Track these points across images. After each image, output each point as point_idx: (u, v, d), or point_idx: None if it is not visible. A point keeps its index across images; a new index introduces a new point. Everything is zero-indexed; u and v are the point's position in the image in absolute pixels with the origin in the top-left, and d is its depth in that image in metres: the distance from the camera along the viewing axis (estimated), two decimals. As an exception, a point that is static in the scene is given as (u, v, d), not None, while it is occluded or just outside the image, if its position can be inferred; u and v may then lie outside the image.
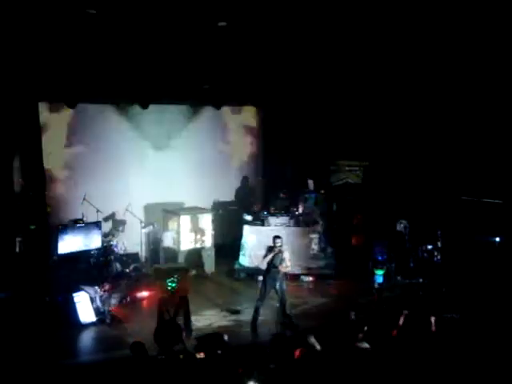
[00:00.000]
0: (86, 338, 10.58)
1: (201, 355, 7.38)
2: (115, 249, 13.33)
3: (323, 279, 13.79)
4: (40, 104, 13.43)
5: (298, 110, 16.03)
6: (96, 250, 13.09)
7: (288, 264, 10.89)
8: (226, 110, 16.21)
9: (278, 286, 10.76)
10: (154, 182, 14.92)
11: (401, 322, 8.53)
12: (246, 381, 6.30)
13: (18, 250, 12.54)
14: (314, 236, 14.19)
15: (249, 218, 14.44)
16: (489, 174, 13.45)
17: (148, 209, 14.95)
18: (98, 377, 8.12)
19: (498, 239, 12.99)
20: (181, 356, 7.22)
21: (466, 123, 13.77)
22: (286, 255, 10.86)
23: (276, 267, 10.75)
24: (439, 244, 13.35)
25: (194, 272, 13.52)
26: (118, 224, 14.20)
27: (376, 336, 8.18)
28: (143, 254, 14.60)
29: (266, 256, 10.85)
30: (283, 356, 7.18)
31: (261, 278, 11.43)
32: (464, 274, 12.38)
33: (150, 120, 15.01)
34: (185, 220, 14.09)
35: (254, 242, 13.85)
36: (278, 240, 10.84)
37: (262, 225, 14.12)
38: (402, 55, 12.82)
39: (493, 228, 13.05)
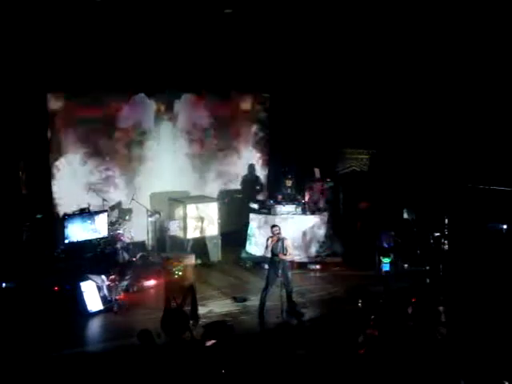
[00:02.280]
0: (94, 327, 10.61)
1: (208, 343, 7.40)
2: (122, 238, 13.32)
3: (330, 267, 13.78)
4: (47, 94, 13.41)
5: (305, 97, 15.94)
6: (102, 238, 13.10)
7: (290, 252, 10.91)
8: (232, 97, 16.12)
9: (280, 274, 10.74)
10: (160, 171, 14.90)
11: (410, 310, 8.52)
12: None
13: (24, 238, 12.58)
14: (321, 224, 14.16)
15: (255, 206, 14.41)
16: (496, 161, 13.36)
17: (154, 198, 14.93)
18: (106, 365, 8.15)
19: (505, 226, 12.92)
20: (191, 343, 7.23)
21: (473, 111, 13.67)
22: (287, 243, 10.87)
23: (277, 255, 10.75)
24: (446, 231, 13.30)
25: (199, 261, 13.56)
26: (124, 213, 14.20)
27: (384, 323, 8.18)
28: (150, 242, 14.60)
29: (267, 245, 10.89)
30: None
31: (267, 266, 11.43)
32: (471, 261, 12.33)
33: (157, 109, 14.98)
34: (191, 209, 14.07)
35: (261, 231, 13.84)
36: (274, 228, 10.93)
37: (269, 213, 14.09)
38: (410, 42, 12.75)
39: (500, 215, 12.98)
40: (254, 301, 11.38)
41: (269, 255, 10.92)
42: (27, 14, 10.53)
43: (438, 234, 13.17)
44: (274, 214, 13.97)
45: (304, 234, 13.92)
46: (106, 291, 11.27)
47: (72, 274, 11.55)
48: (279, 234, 10.85)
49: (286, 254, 10.79)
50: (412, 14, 11.31)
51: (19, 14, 10.45)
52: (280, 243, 10.77)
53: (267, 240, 10.96)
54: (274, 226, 11.08)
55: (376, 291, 11.70)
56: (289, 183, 14.77)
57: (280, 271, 10.72)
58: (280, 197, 14.49)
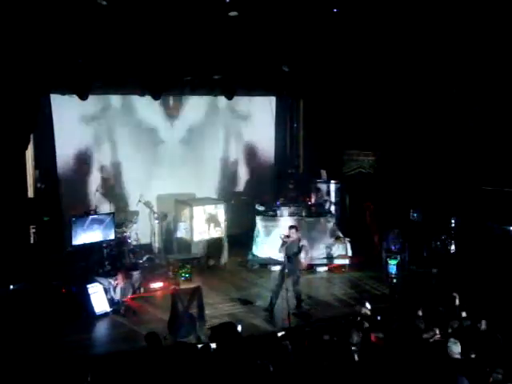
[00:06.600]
0: (101, 329, 10.65)
1: (214, 345, 7.41)
2: (128, 240, 13.35)
3: (337, 269, 13.77)
4: (52, 95, 13.46)
5: (311, 100, 15.93)
6: (109, 241, 13.12)
7: (301, 255, 10.93)
8: (237, 100, 16.11)
9: (289, 276, 10.73)
10: (167, 173, 14.93)
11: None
12: None
13: (32, 241, 12.63)
14: (328, 226, 14.16)
15: (261, 208, 14.41)
16: (503, 162, 13.32)
17: (161, 199, 14.96)
18: (113, 367, 8.16)
19: (512, 228, 12.89)
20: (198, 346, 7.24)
21: (483, 110, 13.63)
22: (302, 245, 10.91)
23: (288, 257, 10.74)
24: (453, 233, 13.27)
25: (208, 262, 13.59)
26: (131, 215, 14.22)
27: (389, 325, 8.17)
28: (156, 244, 14.62)
29: (283, 243, 10.86)
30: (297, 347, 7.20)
31: (274, 268, 11.43)
32: (478, 263, 12.29)
33: (163, 111, 15.02)
34: (198, 211, 14.07)
35: (267, 233, 13.84)
36: (292, 230, 10.94)
37: (275, 215, 14.08)
38: (417, 43, 12.73)
39: (507, 217, 12.92)
40: (260, 303, 11.39)
41: (282, 253, 10.86)
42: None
43: (444, 236, 13.15)
44: (281, 216, 13.98)
45: (311, 236, 13.90)
46: (112, 293, 11.31)
47: (79, 276, 11.60)
48: (289, 236, 10.84)
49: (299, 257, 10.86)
50: (419, 17, 11.28)
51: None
52: (296, 244, 10.78)
53: (282, 238, 10.85)
54: (292, 227, 11.08)
55: (383, 293, 11.71)
56: (296, 185, 14.79)
57: (287, 272, 10.71)
58: (287, 199, 14.49)
